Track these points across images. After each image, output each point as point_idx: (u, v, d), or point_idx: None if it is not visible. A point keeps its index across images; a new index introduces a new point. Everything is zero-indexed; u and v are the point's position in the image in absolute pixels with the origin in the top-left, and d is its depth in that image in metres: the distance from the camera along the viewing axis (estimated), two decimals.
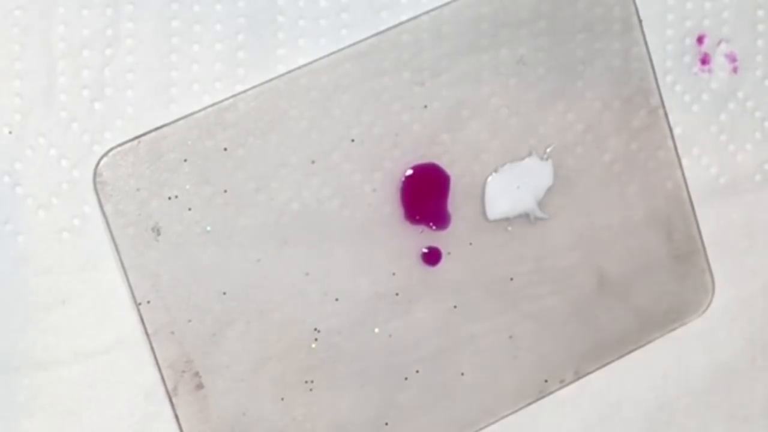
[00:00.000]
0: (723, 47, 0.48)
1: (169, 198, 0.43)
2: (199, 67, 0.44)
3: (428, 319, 0.45)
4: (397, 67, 0.44)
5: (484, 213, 0.45)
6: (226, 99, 0.43)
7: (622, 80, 0.46)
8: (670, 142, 0.47)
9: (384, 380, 0.45)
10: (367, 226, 0.45)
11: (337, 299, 0.44)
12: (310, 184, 0.44)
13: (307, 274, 0.44)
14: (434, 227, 0.45)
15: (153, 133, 0.43)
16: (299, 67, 0.44)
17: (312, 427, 0.45)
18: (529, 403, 0.46)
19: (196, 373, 0.44)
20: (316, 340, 0.44)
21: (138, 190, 0.43)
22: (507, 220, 0.46)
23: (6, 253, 0.43)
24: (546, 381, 0.46)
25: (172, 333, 0.43)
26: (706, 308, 0.48)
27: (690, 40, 0.48)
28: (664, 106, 0.47)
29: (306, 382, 0.45)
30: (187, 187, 0.43)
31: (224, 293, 0.44)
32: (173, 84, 0.44)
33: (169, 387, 0.44)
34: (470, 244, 0.45)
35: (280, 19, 0.45)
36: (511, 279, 0.46)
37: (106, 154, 0.43)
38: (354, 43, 0.44)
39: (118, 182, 0.43)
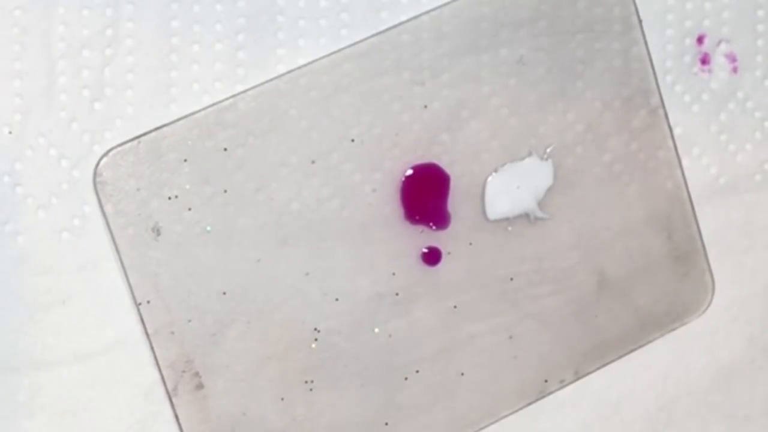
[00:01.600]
0: (723, 47, 0.48)
1: (169, 198, 0.43)
2: (199, 67, 0.44)
3: (428, 319, 0.45)
4: (397, 67, 0.44)
5: (484, 213, 0.45)
6: (226, 99, 0.43)
7: (622, 80, 0.46)
8: (670, 142, 0.47)
9: (384, 380, 0.45)
10: (367, 226, 0.45)
11: (337, 299, 0.44)
12: (310, 184, 0.44)
13: (307, 274, 0.44)
14: (434, 227, 0.45)
15: (153, 133, 0.43)
16: (299, 67, 0.44)
17: (312, 427, 0.45)
18: (529, 403, 0.46)
19: (196, 373, 0.44)
20: (316, 340, 0.44)
21: (138, 190, 0.43)
22: (507, 220, 0.46)
23: (6, 253, 0.43)
24: (546, 381, 0.46)
25: (172, 333, 0.43)
26: (706, 308, 0.48)
27: (690, 40, 0.48)
28: (664, 106, 0.47)
29: (306, 382, 0.44)
30: (187, 187, 0.43)
31: (224, 293, 0.44)
32: (173, 84, 0.44)
33: (169, 387, 0.44)
34: (470, 244, 0.45)
35: (280, 19, 0.44)
36: (511, 279, 0.46)
37: (106, 154, 0.43)
38: (354, 43, 0.44)
39: (118, 182, 0.43)
